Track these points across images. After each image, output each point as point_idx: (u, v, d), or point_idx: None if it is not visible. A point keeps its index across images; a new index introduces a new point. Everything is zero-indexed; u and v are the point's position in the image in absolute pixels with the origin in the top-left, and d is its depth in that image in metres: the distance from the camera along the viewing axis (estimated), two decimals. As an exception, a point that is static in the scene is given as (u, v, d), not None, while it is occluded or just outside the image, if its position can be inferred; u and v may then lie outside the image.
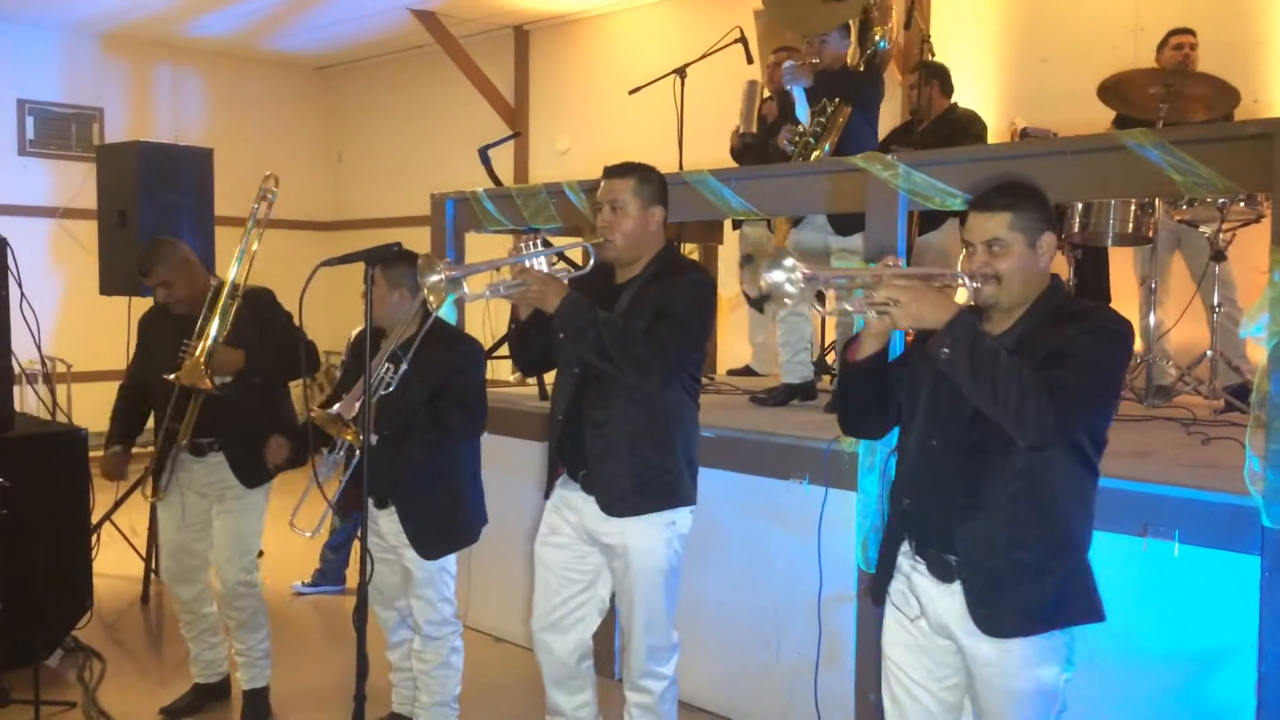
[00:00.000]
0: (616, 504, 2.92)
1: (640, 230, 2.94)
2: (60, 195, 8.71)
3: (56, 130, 8.83)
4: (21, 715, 3.74)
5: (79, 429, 4.56)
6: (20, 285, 4.35)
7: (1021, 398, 2.10)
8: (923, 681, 2.41)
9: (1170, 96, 4.42)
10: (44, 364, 5.05)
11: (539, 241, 2.93)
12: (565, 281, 2.86)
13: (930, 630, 2.38)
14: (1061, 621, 2.25)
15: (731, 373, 6.07)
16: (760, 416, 4.35)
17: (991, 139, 5.40)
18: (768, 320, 5.83)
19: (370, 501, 3.41)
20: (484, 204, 5.05)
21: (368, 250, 2.91)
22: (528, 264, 2.86)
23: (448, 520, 3.40)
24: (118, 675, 4.37)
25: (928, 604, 2.37)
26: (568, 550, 3.06)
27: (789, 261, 2.24)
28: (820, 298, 2.41)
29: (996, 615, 2.24)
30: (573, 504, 3.04)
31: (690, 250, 6.22)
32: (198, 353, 3.58)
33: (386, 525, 3.41)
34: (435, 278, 2.70)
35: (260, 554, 5.99)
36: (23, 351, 4.62)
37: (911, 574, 2.41)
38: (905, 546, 2.43)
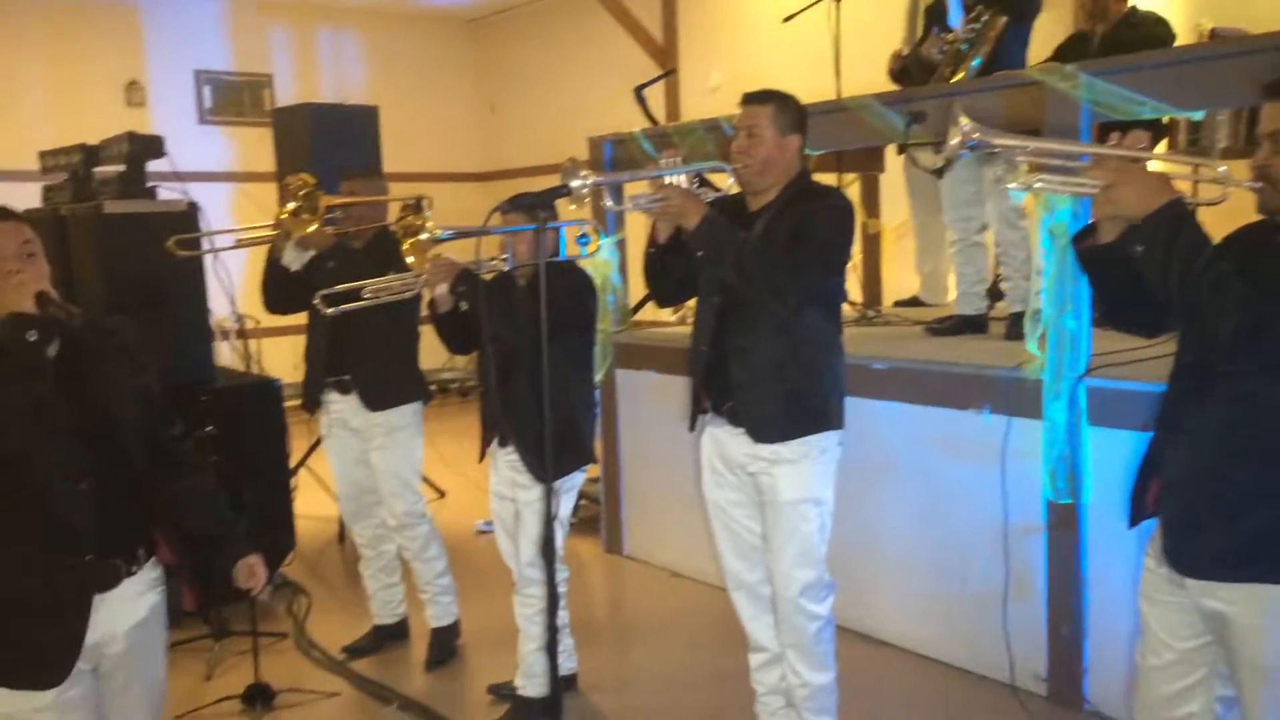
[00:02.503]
0: (765, 430, 2.90)
1: (775, 157, 2.90)
2: (237, 160, 9.14)
3: (231, 98, 9.25)
4: (240, 645, 4.04)
5: (273, 380, 4.83)
6: (213, 246, 4.60)
7: (1217, 308, 1.82)
8: (1165, 639, 2.16)
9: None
10: (238, 320, 5.34)
11: (679, 159, 2.93)
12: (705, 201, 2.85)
13: (1167, 581, 2.13)
14: (1257, 573, 1.97)
15: (898, 304, 5.93)
16: (935, 347, 4.24)
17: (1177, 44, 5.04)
18: (937, 248, 5.66)
19: (496, 441, 3.52)
20: (641, 144, 5.05)
21: (537, 193, 2.94)
22: (668, 180, 2.85)
23: (557, 447, 3.39)
24: (321, 609, 4.65)
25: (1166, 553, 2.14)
26: (732, 490, 3.06)
27: (967, 124, 2.06)
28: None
29: (1185, 551, 2.05)
30: (718, 438, 3.04)
31: (850, 180, 6.08)
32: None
33: (505, 463, 3.50)
34: (577, 182, 2.70)
35: (442, 494, 6.24)
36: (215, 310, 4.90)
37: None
38: None
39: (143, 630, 2.27)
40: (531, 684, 3.52)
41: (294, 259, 3.84)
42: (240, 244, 4.39)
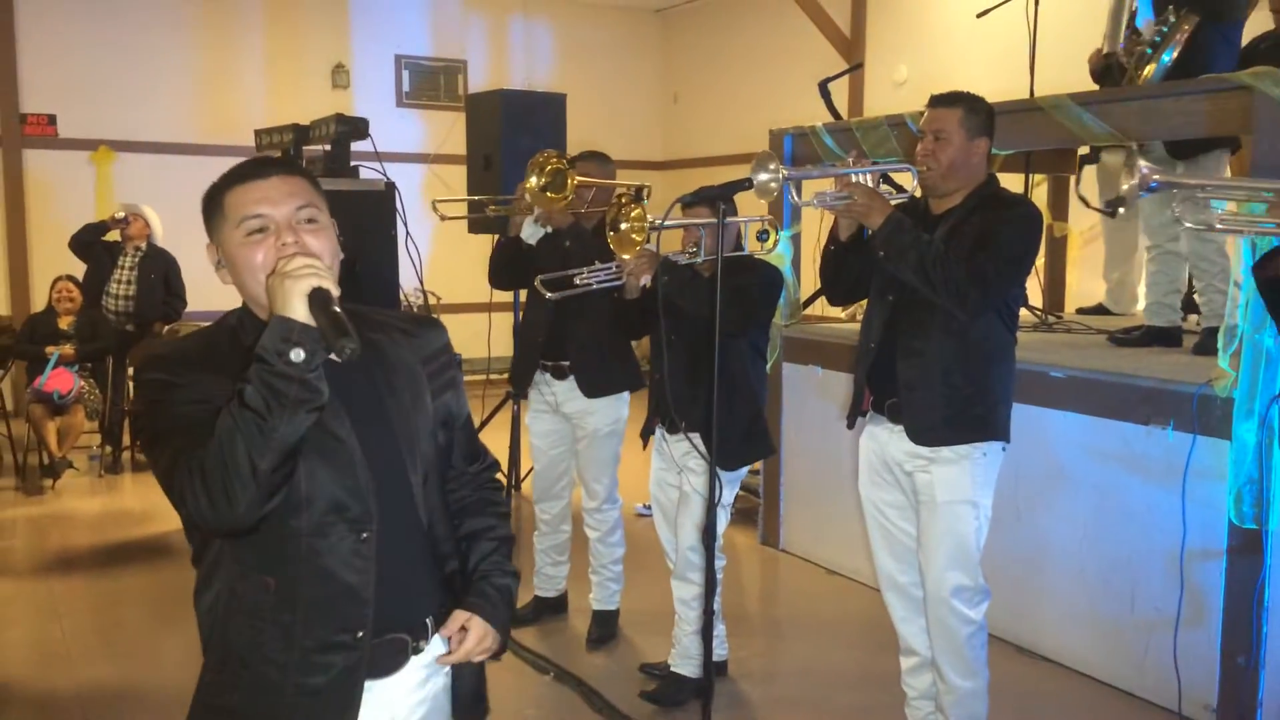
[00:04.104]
0: (925, 433, 2.87)
1: (961, 161, 2.86)
2: (430, 142, 9.56)
3: (428, 82, 9.69)
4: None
5: (455, 355, 5.03)
6: (406, 224, 4.84)
7: None
8: None
9: None
10: (424, 296, 5.60)
11: (864, 158, 2.93)
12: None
13: None
14: None
15: (1081, 311, 5.72)
16: (1117, 357, 4.09)
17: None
18: (1127, 256, 5.44)
19: (662, 427, 3.58)
20: (823, 138, 5.03)
21: (720, 186, 2.99)
22: (854, 179, 2.85)
23: (744, 436, 3.45)
24: (485, 576, 4.84)
25: None
26: (889, 490, 3.05)
27: (1145, 167, 2.05)
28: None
29: None
30: (878, 437, 3.02)
31: (1039, 181, 5.90)
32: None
33: (676, 449, 3.54)
34: (766, 175, 2.71)
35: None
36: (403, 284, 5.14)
37: None
38: None
39: None
40: (686, 665, 3.60)
41: (532, 233, 3.98)
42: (492, 213, 4.57)
